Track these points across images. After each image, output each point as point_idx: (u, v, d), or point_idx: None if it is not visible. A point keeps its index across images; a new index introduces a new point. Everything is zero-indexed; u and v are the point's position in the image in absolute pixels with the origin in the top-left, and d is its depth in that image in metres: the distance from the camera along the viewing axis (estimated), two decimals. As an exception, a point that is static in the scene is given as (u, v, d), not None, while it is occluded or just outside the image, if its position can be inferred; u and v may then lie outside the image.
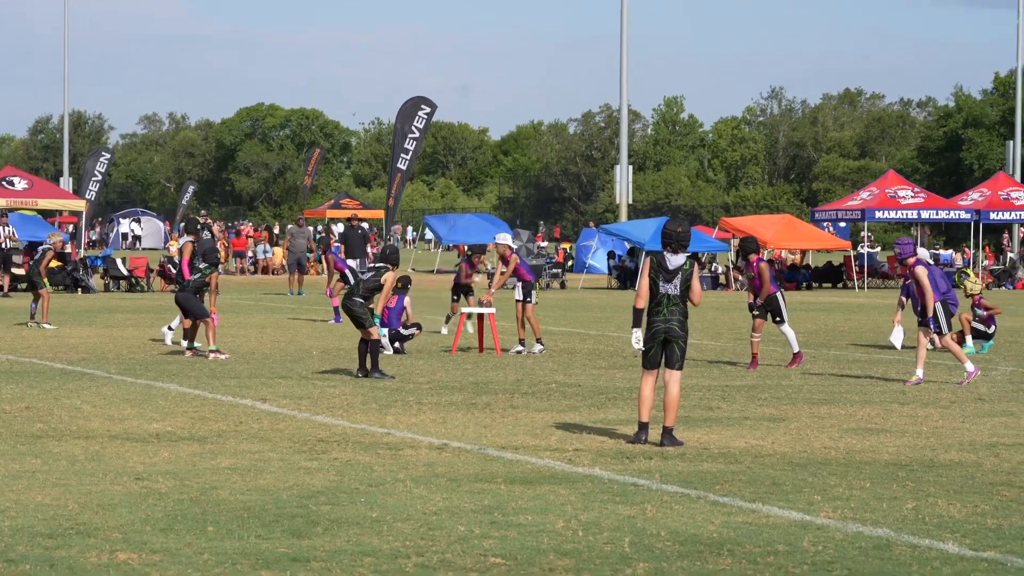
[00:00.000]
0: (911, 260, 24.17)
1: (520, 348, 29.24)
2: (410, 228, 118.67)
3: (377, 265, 24.38)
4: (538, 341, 29.19)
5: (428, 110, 61.94)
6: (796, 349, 26.65)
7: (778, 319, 26.27)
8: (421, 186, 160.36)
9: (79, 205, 63.22)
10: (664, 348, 16.97)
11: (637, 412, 17.28)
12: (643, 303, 16.97)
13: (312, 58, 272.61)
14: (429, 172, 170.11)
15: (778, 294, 26.49)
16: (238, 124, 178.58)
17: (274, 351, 29.11)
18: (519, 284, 29.51)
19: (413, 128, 61.41)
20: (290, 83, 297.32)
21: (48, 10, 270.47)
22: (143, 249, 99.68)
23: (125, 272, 57.57)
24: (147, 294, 54.71)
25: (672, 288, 16.79)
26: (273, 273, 70.93)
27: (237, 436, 17.55)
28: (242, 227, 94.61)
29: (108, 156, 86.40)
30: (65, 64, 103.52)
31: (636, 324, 16.98)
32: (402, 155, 61.16)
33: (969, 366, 24.11)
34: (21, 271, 54.60)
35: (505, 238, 30.07)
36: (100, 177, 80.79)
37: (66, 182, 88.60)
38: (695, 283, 16.98)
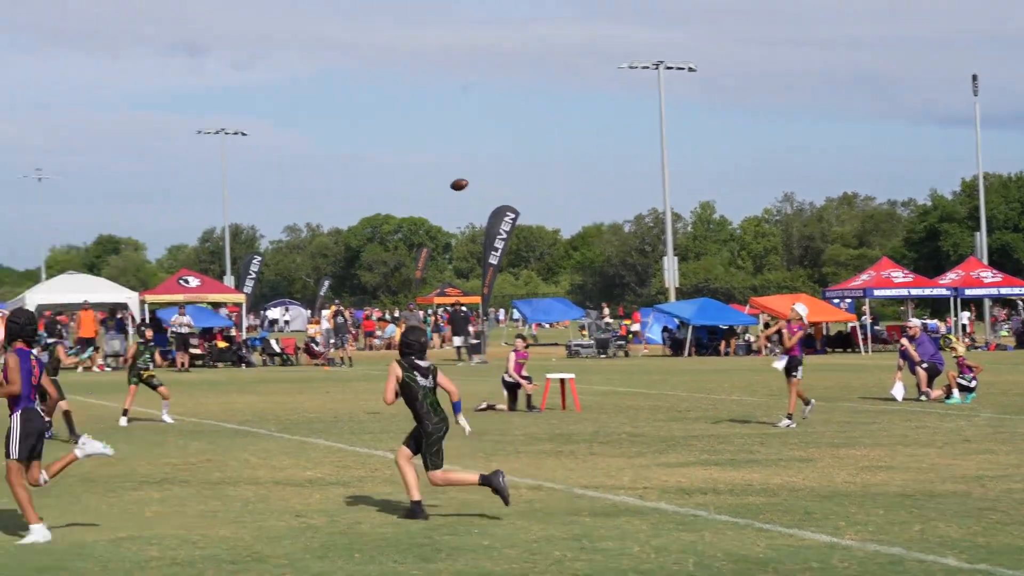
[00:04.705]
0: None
1: (787, 422, 24.40)
2: (502, 310, 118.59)
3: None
4: (788, 416, 24.52)
5: (512, 216, 61.79)
6: None
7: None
8: (509, 276, 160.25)
9: (239, 298, 63.56)
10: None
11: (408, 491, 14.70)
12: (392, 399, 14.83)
13: (419, 176, 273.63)
14: (514, 265, 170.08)
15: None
16: (361, 230, 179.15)
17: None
18: (785, 357, 25.09)
19: (501, 230, 61.27)
20: (402, 197, 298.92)
21: (211, 148, 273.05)
22: (291, 331, 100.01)
23: (278, 350, 57.80)
24: (295, 367, 54.86)
25: (428, 382, 14.71)
26: (394, 348, 71.02)
27: (374, 481, 17.57)
28: (368, 311, 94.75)
29: (259, 259, 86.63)
30: (223, 188, 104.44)
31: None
32: (493, 252, 61.03)
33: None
34: (198, 351, 55.02)
35: (802, 308, 25.95)
36: (254, 275, 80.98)
37: (228, 280, 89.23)
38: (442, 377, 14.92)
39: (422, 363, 14.75)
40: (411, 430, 14.89)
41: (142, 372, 27.13)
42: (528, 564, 11.70)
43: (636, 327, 74.53)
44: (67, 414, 23.95)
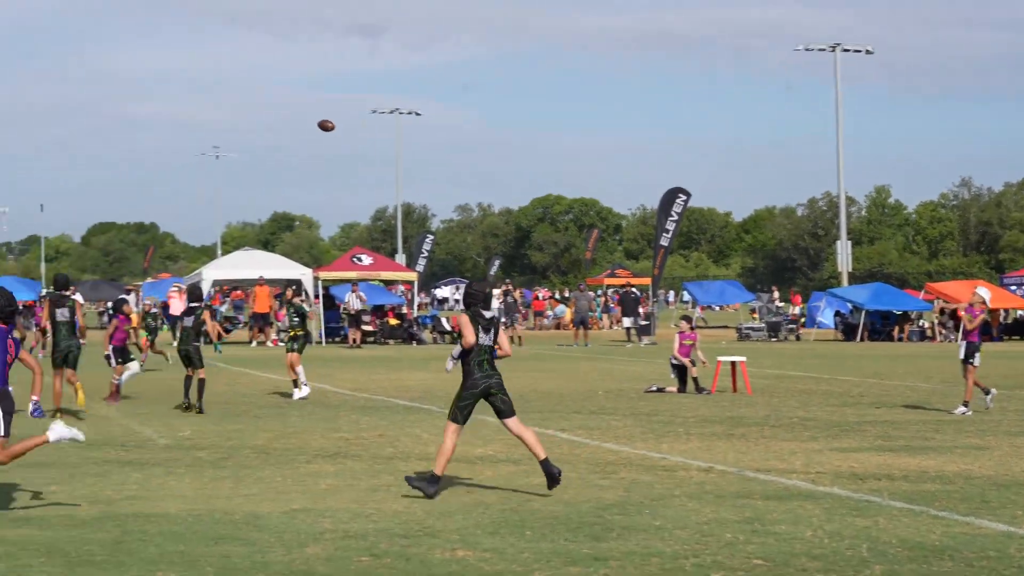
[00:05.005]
0: None
1: (962, 409, 23.81)
2: (672, 292, 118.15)
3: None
4: (964, 403, 23.98)
5: (684, 198, 61.48)
6: None
7: None
8: (679, 258, 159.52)
9: (411, 276, 64.08)
10: (488, 400, 14.76)
11: (436, 464, 14.55)
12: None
13: (591, 157, 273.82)
14: (685, 247, 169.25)
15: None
16: (532, 211, 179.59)
17: (567, 391, 29.16)
18: (963, 343, 24.47)
19: (673, 212, 61.01)
20: (573, 178, 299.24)
21: (385, 127, 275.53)
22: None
23: (448, 328, 58.22)
24: (465, 345, 55.11)
25: (488, 339, 14.74)
26: (564, 328, 71.16)
27: (544, 459, 17.58)
28: (538, 291, 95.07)
29: (431, 238, 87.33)
30: (397, 167, 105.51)
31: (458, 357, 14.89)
32: (664, 234, 60.78)
33: None
34: (369, 328, 55.61)
35: (985, 292, 25.03)
36: (426, 254, 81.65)
37: (400, 258, 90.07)
38: (503, 335, 15.00)
39: (486, 314, 14.78)
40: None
41: (290, 331, 27.36)
42: (699, 546, 11.66)
43: (796, 310, 73.80)
44: (201, 382, 24.41)
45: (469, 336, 14.64)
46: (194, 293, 25.71)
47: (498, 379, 14.79)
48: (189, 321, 24.96)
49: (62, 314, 23.89)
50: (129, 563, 10.87)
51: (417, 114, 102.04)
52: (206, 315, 25.30)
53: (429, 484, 14.34)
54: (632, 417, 23.35)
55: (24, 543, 11.64)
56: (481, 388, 14.67)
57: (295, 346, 27.11)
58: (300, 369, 26.93)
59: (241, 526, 12.51)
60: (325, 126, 23.11)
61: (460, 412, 14.70)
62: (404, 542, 11.73)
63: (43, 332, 23.86)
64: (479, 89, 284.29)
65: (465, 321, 14.69)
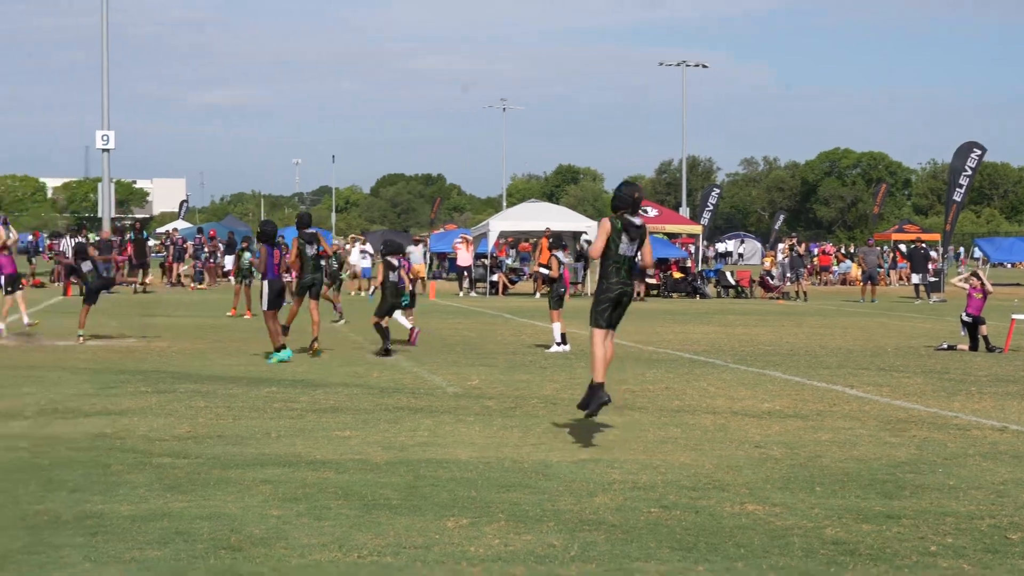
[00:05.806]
0: None
1: None
2: (961, 248, 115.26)
3: None
4: None
5: (979, 152, 59.88)
6: None
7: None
8: (970, 214, 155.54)
9: (696, 229, 63.83)
10: (615, 308, 14.48)
11: (592, 370, 14.48)
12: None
13: (881, 110, 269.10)
14: (977, 202, 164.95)
15: None
16: (819, 164, 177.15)
17: (855, 347, 28.71)
18: None
19: (966, 167, 59.51)
20: (862, 131, 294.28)
21: (672, 80, 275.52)
22: (744, 264, 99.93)
23: (732, 282, 57.90)
24: (749, 300, 54.81)
25: (630, 249, 14.38)
26: (850, 284, 70.07)
27: (832, 415, 17.37)
28: (824, 246, 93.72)
29: (717, 191, 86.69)
30: (683, 119, 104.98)
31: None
32: (957, 189, 59.38)
33: None
34: (653, 280, 55.64)
35: None
36: (711, 207, 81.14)
37: (684, 211, 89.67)
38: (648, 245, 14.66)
39: (634, 221, 14.45)
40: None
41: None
42: (995, 506, 11.38)
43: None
44: (377, 325, 25.68)
45: (595, 249, 14.43)
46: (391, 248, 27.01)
47: (631, 289, 14.56)
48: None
49: (311, 249, 25.65)
50: (423, 507, 11.09)
51: (704, 66, 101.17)
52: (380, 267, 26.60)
53: (594, 398, 14.27)
54: (922, 375, 22.88)
55: (321, 485, 11.97)
56: (616, 293, 14.47)
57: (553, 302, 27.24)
58: (555, 325, 26.93)
59: (530, 474, 12.65)
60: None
61: (600, 316, 14.52)
62: (693, 495, 11.72)
63: (286, 271, 25.17)
64: (767, 40, 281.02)
65: (602, 230, 14.41)
